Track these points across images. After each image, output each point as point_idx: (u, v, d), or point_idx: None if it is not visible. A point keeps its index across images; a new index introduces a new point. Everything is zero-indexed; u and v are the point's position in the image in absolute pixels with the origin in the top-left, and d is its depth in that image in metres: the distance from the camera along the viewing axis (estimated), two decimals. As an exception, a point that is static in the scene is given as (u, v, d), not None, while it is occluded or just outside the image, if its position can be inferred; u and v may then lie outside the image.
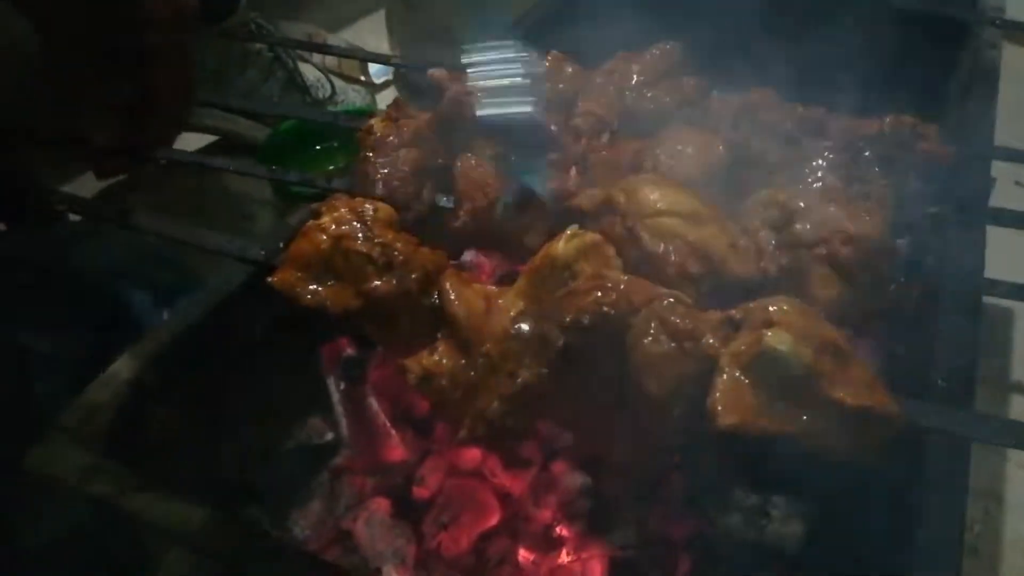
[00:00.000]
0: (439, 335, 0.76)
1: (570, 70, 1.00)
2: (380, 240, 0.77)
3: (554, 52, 1.02)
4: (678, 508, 0.85)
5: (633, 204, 0.79)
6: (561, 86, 0.99)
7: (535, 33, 1.22)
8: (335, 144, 1.70)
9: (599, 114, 0.95)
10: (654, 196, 0.79)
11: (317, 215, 0.80)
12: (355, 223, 0.78)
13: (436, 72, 0.97)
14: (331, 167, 1.66)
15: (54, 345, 0.97)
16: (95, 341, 0.98)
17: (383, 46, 2.06)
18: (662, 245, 0.78)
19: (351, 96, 1.94)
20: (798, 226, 0.79)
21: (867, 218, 0.77)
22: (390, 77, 2.06)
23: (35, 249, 1.08)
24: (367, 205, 0.80)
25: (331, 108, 1.87)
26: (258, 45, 1.83)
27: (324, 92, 1.90)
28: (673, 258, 0.76)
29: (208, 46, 1.81)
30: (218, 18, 1.76)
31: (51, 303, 1.04)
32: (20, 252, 1.07)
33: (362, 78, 2.03)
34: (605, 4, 1.26)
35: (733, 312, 0.71)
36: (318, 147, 1.70)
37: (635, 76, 0.99)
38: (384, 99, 2.01)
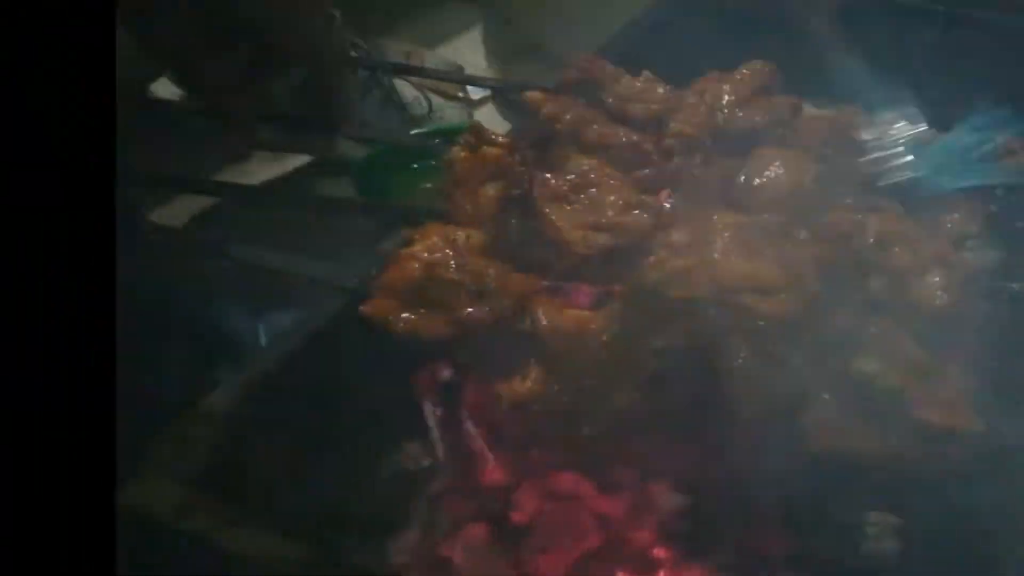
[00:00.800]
0: (532, 360, 0.77)
1: (661, 90, 1.01)
2: (472, 267, 0.78)
3: (646, 73, 1.02)
4: (775, 527, 0.84)
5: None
6: (653, 107, 0.99)
7: (628, 52, 1.22)
8: (433, 163, 1.70)
9: (690, 134, 0.95)
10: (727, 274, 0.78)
11: (409, 242, 0.81)
12: (447, 250, 0.79)
13: (532, 94, 0.98)
14: (428, 185, 1.67)
15: (149, 374, 0.99)
16: (191, 368, 1.00)
17: (480, 62, 2.07)
18: None
19: (449, 113, 1.95)
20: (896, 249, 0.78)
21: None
22: (488, 93, 2.07)
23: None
24: (459, 232, 0.81)
25: (429, 126, 1.88)
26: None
27: (422, 109, 1.91)
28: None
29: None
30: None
31: (145, 329, 1.06)
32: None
33: (460, 94, 2.04)
34: (698, 23, 1.26)
35: (823, 335, 0.71)
36: (415, 166, 1.71)
37: (726, 95, 0.99)
38: (482, 115, 2.02)
